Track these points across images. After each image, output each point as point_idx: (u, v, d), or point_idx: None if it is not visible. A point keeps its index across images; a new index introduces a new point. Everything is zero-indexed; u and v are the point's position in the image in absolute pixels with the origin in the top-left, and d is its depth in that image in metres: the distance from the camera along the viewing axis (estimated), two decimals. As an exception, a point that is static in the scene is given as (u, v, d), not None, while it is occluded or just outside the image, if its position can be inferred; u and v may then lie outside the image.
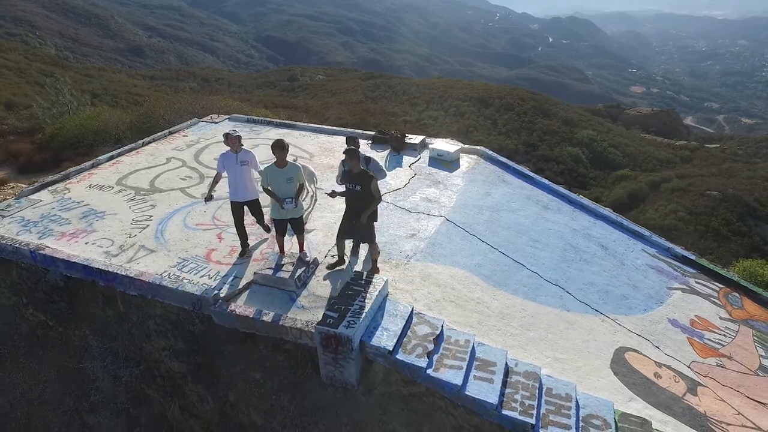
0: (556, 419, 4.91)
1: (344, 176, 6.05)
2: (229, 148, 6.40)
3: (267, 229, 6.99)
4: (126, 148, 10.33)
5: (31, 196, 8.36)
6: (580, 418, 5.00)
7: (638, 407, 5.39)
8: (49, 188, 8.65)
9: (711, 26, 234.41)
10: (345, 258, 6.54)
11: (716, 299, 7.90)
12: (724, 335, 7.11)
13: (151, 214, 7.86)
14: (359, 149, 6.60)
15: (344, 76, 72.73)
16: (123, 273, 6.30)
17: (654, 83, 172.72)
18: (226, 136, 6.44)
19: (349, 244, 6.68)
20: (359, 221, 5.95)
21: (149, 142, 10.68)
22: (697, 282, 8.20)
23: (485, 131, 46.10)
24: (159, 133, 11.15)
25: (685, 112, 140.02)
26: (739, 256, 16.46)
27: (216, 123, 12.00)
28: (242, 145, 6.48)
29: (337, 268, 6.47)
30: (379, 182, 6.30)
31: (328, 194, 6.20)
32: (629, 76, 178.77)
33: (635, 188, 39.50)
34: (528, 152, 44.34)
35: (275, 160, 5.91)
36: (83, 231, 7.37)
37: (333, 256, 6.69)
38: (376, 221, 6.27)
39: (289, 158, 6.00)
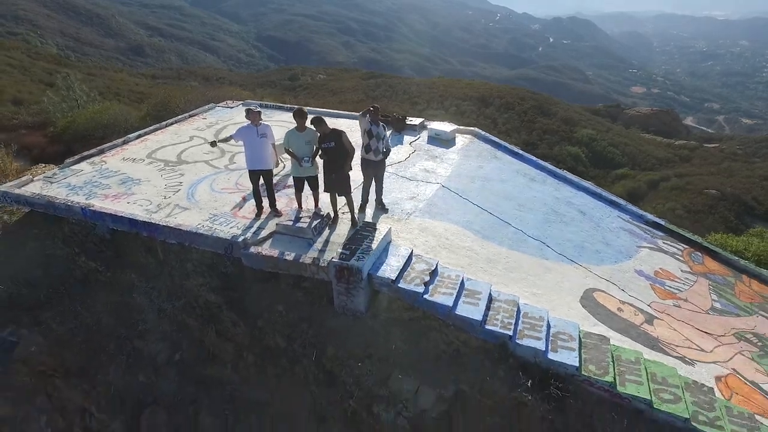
0: (529, 333, 6.01)
1: (320, 138, 7.05)
2: (249, 121, 7.48)
3: (277, 212, 7.86)
4: (151, 128, 11.45)
5: (73, 167, 9.47)
6: (550, 334, 6.10)
7: (601, 330, 6.49)
8: (88, 161, 9.77)
9: (712, 27, 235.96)
10: (338, 213, 7.61)
11: (680, 257, 9.01)
12: (683, 284, 8.22)
13: (181, 181, 8.97)
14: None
15: (345, 75, 73.80)
16: (164, 224, 7.42)
17: (654, 83, 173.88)
18: (248, 110, 7.55)
19: (340, 199, 7.69)
20: (337, 173, 7.00)
21: (172, 123, 11.80)
22: (664, 242, 9.31)
23: (485, 130, 47.25)
24: (180, 116, 12.27)
25: (686, 112, 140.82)
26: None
27: (231, 108, 13.14)
28: (261, 120, 7.58)
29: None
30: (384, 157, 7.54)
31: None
32: (630, 76, 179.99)
33: (634, 187, 40.29)
34: (528, 151, 45.39)
35: (296, 125, 7.02)
36: (123, 194, 8.48)
37: (343, 210, 7.79)
38: (351, 171, 7.25)
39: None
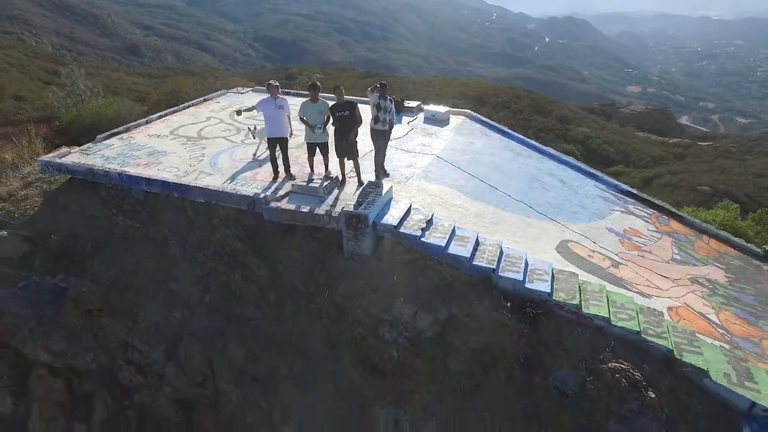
0: (510, 268, 7.18)
1: (334, 107, 8.19)
2: (269, 95, 8.62)
3: (291, 177, 8.98)
4: (170, 110, 12.58)
5: (105, 142, 10.59)
6: (528, 270, 7.28)
7: (572, 270, 7.67)
8: (117, 137, 10.89)
9: (707, 26, 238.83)
10: (346, 176, 8.77)
11: (648, 219, 10.22)
12: (648, 240, 9.42)
13: (203, 153, 10.11)
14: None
15: (341, 74, 74.86)
16: (193, 185, 8.55)
17: (650, 83, 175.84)
18: (268, 85, 8.69)
19: (348, 163, 8.80)
20: (348, 139, 8.16)
21: (188, 107, 12.94)
22: (635, 207, 10.53)
23: (480, 125, 48.38)
24: (195, 100, 13.40)
25: (681, 111, 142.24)
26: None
27: (242, 93, 14.29)
28: (279, 93, 8.73)
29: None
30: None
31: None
32: (625, 76, 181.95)
33: (628, 183, 41.46)
34: (522, 147, 46.62)
35: (310, 96, 8.18)
36: (153, 163, 9.61)
37: (350, 173, 8.94)
38: (357, 137, 8.39)
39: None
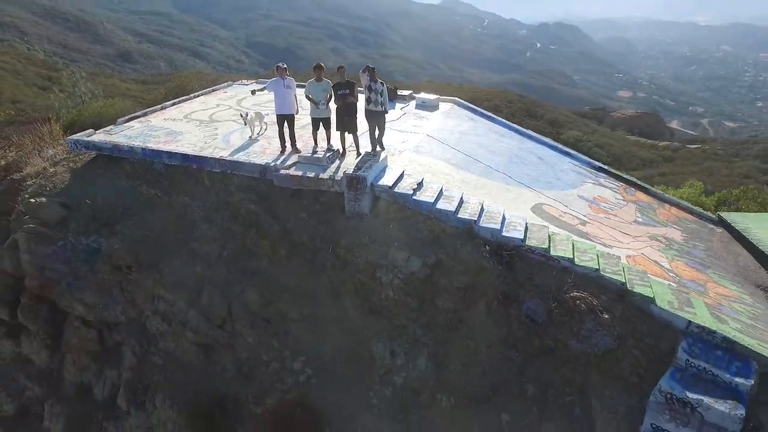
0: (489, 221, 8.40)
1: (336, 86, 9.38)
2: (277, 76, 9.80)
3: (297, 150, 10.12)
4: (181, 99, 13.75)
5: (125, 124, 11.73)
6: (505, 222, 8.49)
7: (544, 225, 8.89)
8: (136, 120, 12.03)
9: (695, 32, 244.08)
10: (346, 149, 9.94)
11: (616, 190, 11.51)
12: (615, 206, 10.70)
13: (216, 133, 11.28)
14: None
15: (334, 78, 76.33)
16: (210, 156, 9.72)
17: (640, 88, 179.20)
18: (277, 67, 9.87)
19: (348, 137, 9.98)
20: (349, 115, 9.35)
21: (199, 96, 14.12)
22: (605, 180, 11.82)
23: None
24: (204, 90, 14.58)
25: (671, 116, 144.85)
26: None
27: (246, 85, 15.50)
28: (287, 74, 9.91)
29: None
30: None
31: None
32: (616, 81, 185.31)
33: (618, 181, 42.88)
34: (514, 148, 47.95)
35: (315, 77, 9.38)
36: (171, 140, 10.76)
37: (350, 147, 10.13)
38: (356, 113, 9.59)
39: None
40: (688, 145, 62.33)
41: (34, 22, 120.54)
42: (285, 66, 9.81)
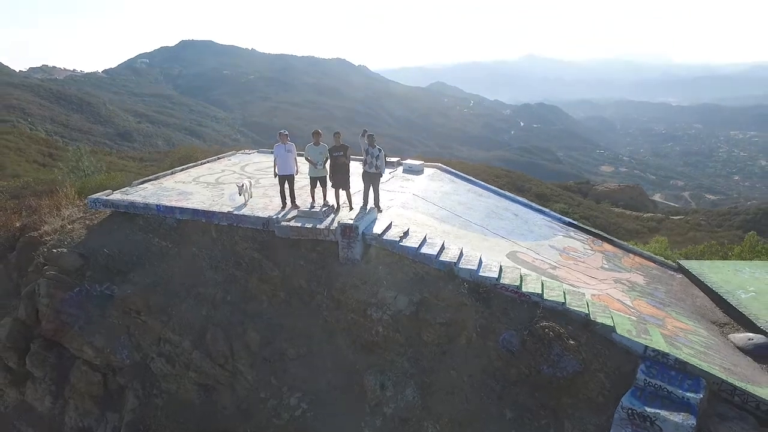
0: (467, 263, 9.52)
1: (332, 149, 10.87)
2: (280, 142, 11.33)
3: (296, 206, 11.40)
4: (190, 165, 15.25)
5: (139, 186, 13.07)
6: (481, 265, 9.62)
7: (517, 267, 10.02)
8: (148, 183, 13.39)
9: (667, 111, 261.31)
10: (340, 204, 11.26)
11: (585, 242, 12.79)
12: (583, 254, 11.91)
13: (223, 193, 12.61)
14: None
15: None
16: (218, 210, 10.96)
17: (621, 163, 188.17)
18: (279, 134, 11.44)
19: (342, 194, 11.32)
20: (342, 174, 10.75)
21: (205, 163, 15.65)
22: (575, 233, 13.13)
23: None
24: (210, 158, 16.16)
25: (653, 189, 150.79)
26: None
27: (249, 154, 17.16)
28: (288, 140, 11.45)
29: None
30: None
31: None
32: (598, 156, 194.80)
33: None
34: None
35: (313, 141, 10.91)
36: (183, 199, 12.03)
37: (343, 204, 11.45)
38: (349, 173, 10.99)
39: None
40: (672, 217, 65.07)
41: (39, 104, 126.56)
42: (287, 133, 11.41)
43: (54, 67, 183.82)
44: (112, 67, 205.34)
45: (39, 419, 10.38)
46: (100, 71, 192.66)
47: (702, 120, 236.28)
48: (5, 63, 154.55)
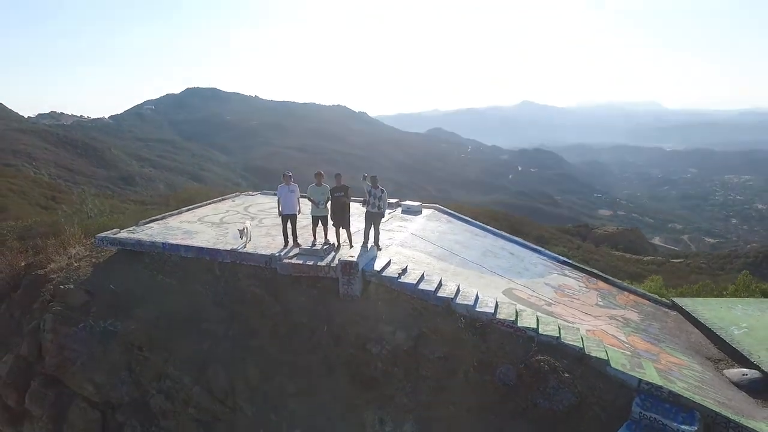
0: (464, 299, 9.81)
1: (333, 189, 11.38)
2: (284, 183, 11.86)
3: (298, 245, 11.83)
4: (195, 205, 15.75)
5: (146, 225, 13.50)
6: (478, 300, 9.90)
7: (512, 303, 10.29)
8: (155, 222, 13.83)
9: (662, 156, 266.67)
10: (340, 243, 11.65)
11: (580, 280, 13.08)
12: (578, 292, 12.18)
13: (227, 232, 13.02)
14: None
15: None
16: (223, 248, 11.32)
17: (619, 206, 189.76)
18: (283, 175, 11.99)
19: (342, 233, 11.73)
20: (342, 213, 11.22)
21: (210, 203, 16.16)
22: (570, 272, 13.44)
23: (459, 239, 52.54)
24: (214, 198, 16.68)
25: (652, 232, 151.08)
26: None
27: (252, 195, 17.71)
28: (292, 181, 11.98)
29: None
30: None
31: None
32: (595, 200, 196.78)
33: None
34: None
35: (316, 182, 11.44)
36: (187, 237, 12.43)
37: (344, 242, 11.84)
38: (349, 212, 11.44)
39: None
40: (673, 260, 65.19)
41: (45, 149, 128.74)
42: (290, 174, 11.96)
43: (62, 113, 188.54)
44: (119, 113, 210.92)
45: (35, 460, 10.30)
46: (106, 117, 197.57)
47: (696, 164, 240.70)
48: (15, 109, 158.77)
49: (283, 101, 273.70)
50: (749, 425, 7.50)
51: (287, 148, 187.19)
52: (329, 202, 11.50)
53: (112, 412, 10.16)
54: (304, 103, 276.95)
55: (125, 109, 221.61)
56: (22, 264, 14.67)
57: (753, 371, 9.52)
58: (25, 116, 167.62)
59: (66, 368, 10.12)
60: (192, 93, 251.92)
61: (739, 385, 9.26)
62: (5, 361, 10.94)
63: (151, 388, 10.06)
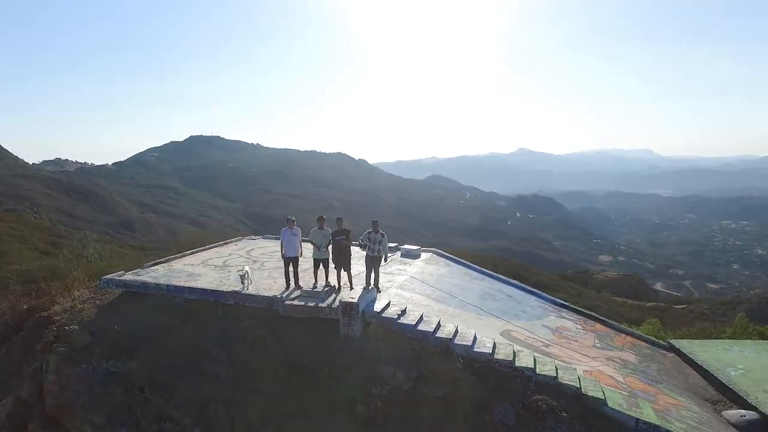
0: (462, 339, 10.02)
1: (334, 233, 11.80)
2: (287, 227, 12.32)
3: (299, 287, 12.17)
4: (198, 249, 16.13)
5: (150, 268, 13.82)
6: (476, 341, 10.10)
7: (510, 344, 10.48)
8: (159, 265, 14.16)
9: (659, 202, 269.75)
10: (341, 285, 11.95)
11: (577, 322, 13.27)
12: (575, 334, 12.36)
13: (229, 275, 13.32)
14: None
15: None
16: (226, 290, 11.61)
17: (619, 252, 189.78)
18: (287, 219, 12.46)
19: (343, 275, 12.06)
20: (343, 255, 11.60)
21: (213, 247, 16.55)
22: (567, 314, 13.65)
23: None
24: (217, 243, 17.09)
25: (653, 278, 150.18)
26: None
27: (254, 239, 18.12)
28: (294, 225, 12.44)
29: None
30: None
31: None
32: (594, 246, 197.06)
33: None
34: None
35: (318, 225, 11.88)
36: (191, 280, 12.73)
37: (344, 284, 12.14)
38: (350, 255, 11.85)
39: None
40: (675, 306, 64.76)
41: (47, 194, 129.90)
42: (293, 218, 12.43)
43: (66, 159, 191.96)
44: (122, 160, 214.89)
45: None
46: (110, 164, 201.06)
47: (692, 210, 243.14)
48: (21, 156, 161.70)
49: (284, 149, 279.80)
50: (747, 465, 7.56)
51: (287, 195, 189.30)
52: (330, 246, 11.90)
53: (109, 456, 10.10)
54: (305, 151, 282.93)
55: (128, 156, 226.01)
56: (24, 307, 14.88)
57: (751, 413, 9.61)
58: (30, 162, 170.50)
59: (66, 410, 10.15)
60: (195, 140, 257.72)
61: (738, 426, 9.33)
62: (5, 404, 10.96)
63: (150, 430, 10.05)
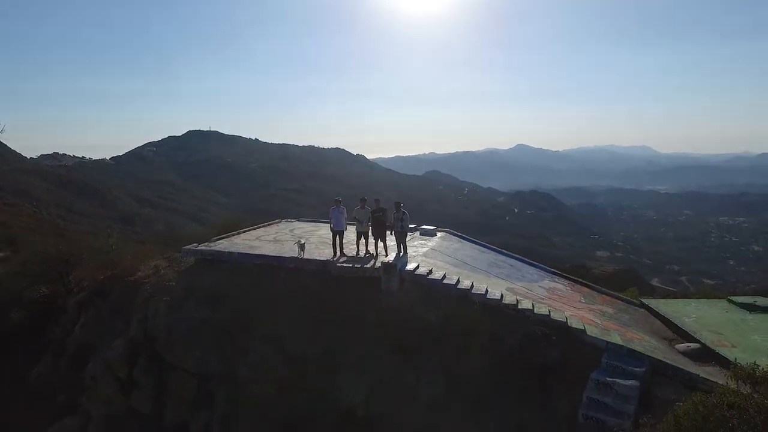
0: (478, 290, 13.26)
1: (374, 211, 15.03)
2: (335, 206, 15.49)
3: (344, 255, 15.40)
4: (249, 228, 19.33)
5: (217, 242, 17.00)
6: (488, 292, 13.33)
7: (515, 296, 13.72)
8: (222, 239, 17.34)
9: (656, 198, 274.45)
10: (378, 253, 15.18)
11: (566, 285, 16.57)
12: (565, 293, 15.64)
13: (283, 246, 16.52)
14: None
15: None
16: (287, 256, 14.82)
17: (616, 248, 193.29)
18: (335, 200, 15.63)
19: (380, 245, 15.31)
20: (380, 229, 14.84)
21: (260, 227, 19.77)
22: (559, 279, 16.94)
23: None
24: (260, 224, 20.30)
25: (651, 274, 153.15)
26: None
27: (291, 222, 21.34)
28: (341, 205, 15.59)
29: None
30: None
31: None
32: (592, 242, 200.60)
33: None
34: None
35: (359, 205, 15.08)
36: (253, 250, 15.91)
37: (380, 252, 15.34)
38: (386, 228, 15.09)
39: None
40: (670, 300, 68.35)
41: (46, 189, 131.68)
42: (340, 199, 15.64)
43: (64, 154, 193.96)
44: (120, 154, 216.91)
45: (143, 418, 13.31)
46: (108, 158, 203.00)
47: (690, 207, 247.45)
48: (18, 150, 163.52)
49: (283, 144, 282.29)
50: (683, 368, 10.84)
51: (285, 190, 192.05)
52: (370, 221, 15.12)
53: (205, 380, 13.29)
54: (303, 146, 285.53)
55: (127, 150, 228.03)
56: (101, 277, 18.09)
57: (695, 344, 12.90)
58: (28, 157, 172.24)
59: (172, 345, 13.33)
60: (193, 135, 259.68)
61: (684, 353, 12.62)
62: (117, 345, 14.11)
63: (238, 362, 13.25)
